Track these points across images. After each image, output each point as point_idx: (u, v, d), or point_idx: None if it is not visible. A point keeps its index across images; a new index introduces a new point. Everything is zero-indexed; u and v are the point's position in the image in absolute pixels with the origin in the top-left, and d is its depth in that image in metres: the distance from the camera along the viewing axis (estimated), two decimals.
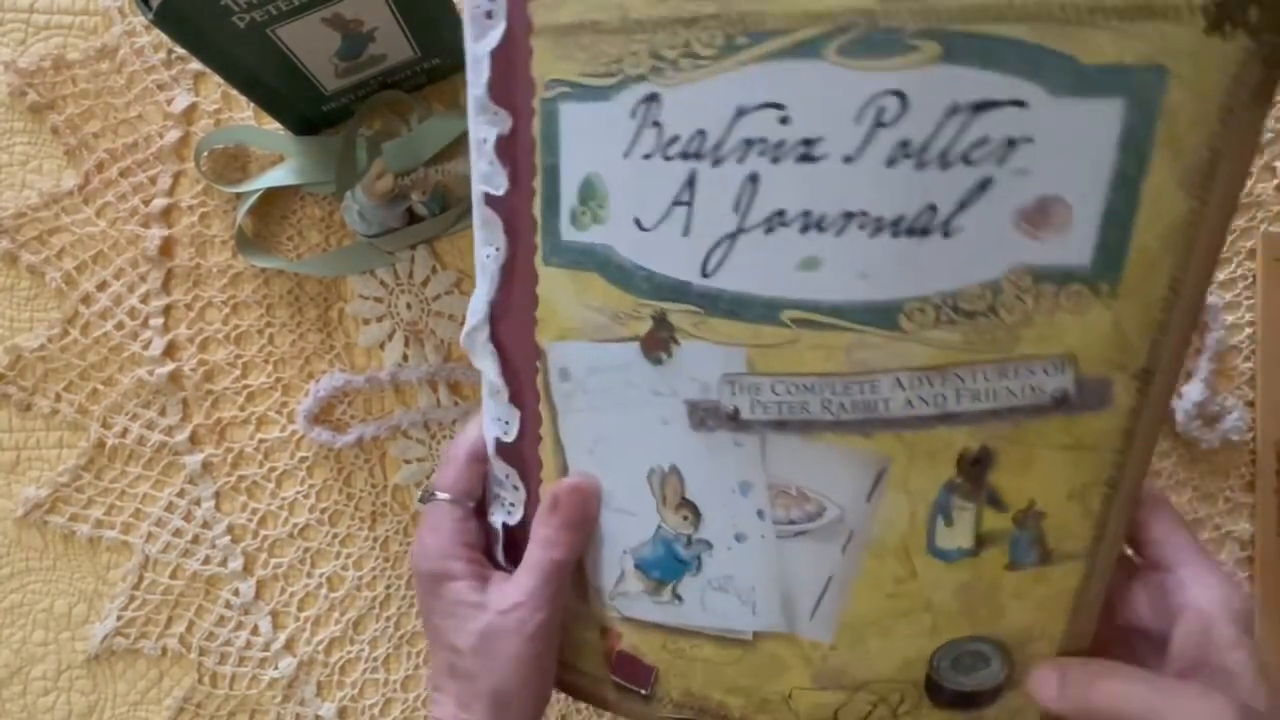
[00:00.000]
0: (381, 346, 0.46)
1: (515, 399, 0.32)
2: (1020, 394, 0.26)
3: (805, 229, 0.25)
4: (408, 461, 0.46)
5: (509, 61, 0.28)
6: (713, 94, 0.25)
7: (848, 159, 0.24)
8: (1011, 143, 0.24)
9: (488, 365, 0.32)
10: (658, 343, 0.28)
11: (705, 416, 0.28)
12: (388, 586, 0.46)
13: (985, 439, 0.26)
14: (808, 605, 0.30)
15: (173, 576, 0.46)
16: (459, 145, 0.44)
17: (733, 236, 0.26)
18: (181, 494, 0.46)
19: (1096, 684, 0.27)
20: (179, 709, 0.46)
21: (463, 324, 0.45)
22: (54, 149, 0.45)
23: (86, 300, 0.45)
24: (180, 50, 0.44)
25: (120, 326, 0.45)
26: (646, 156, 0.26)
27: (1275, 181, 0.47)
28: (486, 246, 0.30)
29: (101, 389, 0.45)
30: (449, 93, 0.45)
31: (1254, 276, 0.47)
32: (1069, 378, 0.26)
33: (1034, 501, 0.27)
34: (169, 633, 0.46)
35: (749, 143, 0.25)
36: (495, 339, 0.31)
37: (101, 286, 0.45)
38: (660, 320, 0.28)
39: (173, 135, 0.45)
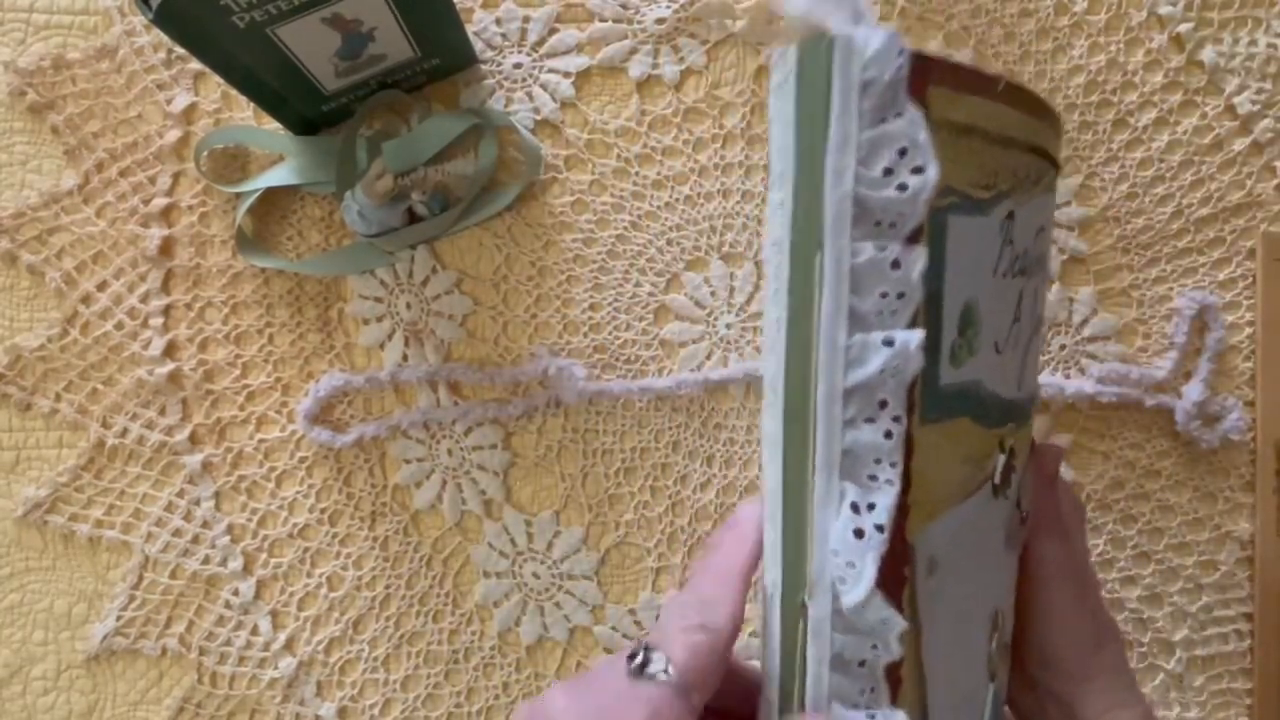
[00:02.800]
0: (381, 346, 0.46)
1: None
2: None
3: (1036, 329, 0.28)
4: (407, 461, 0.46)
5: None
6: (1033, 214, 0.27)
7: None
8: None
9: (889, 615, 0.21)
10: (1008, 470, 0.25)
11: (1013, 533, 0.28)
12: (387, 586, 0.46)
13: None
14: None
15: (172, 576, 0.46)
16: (459, 145, 0.45)
17: (1029, 343, 0.28)
18: (181, 494, 0.46)
19: None
20: (179, 709, 0.46)
21: (462, 324, 0.46)
22: (54, 149, 0.45)
23: (86, 300, 0.45)
24: (180, 50, 0.44)
25: (120, 326, 0.45)
26: (1004, 275, 0.24)
27: (1275, 181, 0.47)
28: (876, 423, 0.21)
29: (101, 389, 0.45)
30: (449, 93, 0.45)
31: (1254, 276, 0.47)
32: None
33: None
34: (169, 632, 0.46)
35: (1034, 259, 0.27)
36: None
37: (101, 286, 0.45)
38: (1007, 448, 0.25)
39: (172, 135, 0.45)
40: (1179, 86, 0.47)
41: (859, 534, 0.21)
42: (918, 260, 0.21)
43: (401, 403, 0.46)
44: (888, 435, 0.21)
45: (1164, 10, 0.46)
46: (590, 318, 0.46)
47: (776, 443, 0.22)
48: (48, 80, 0.44)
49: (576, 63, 0.45)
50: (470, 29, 0.44)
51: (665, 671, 0.21)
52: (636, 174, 0.45)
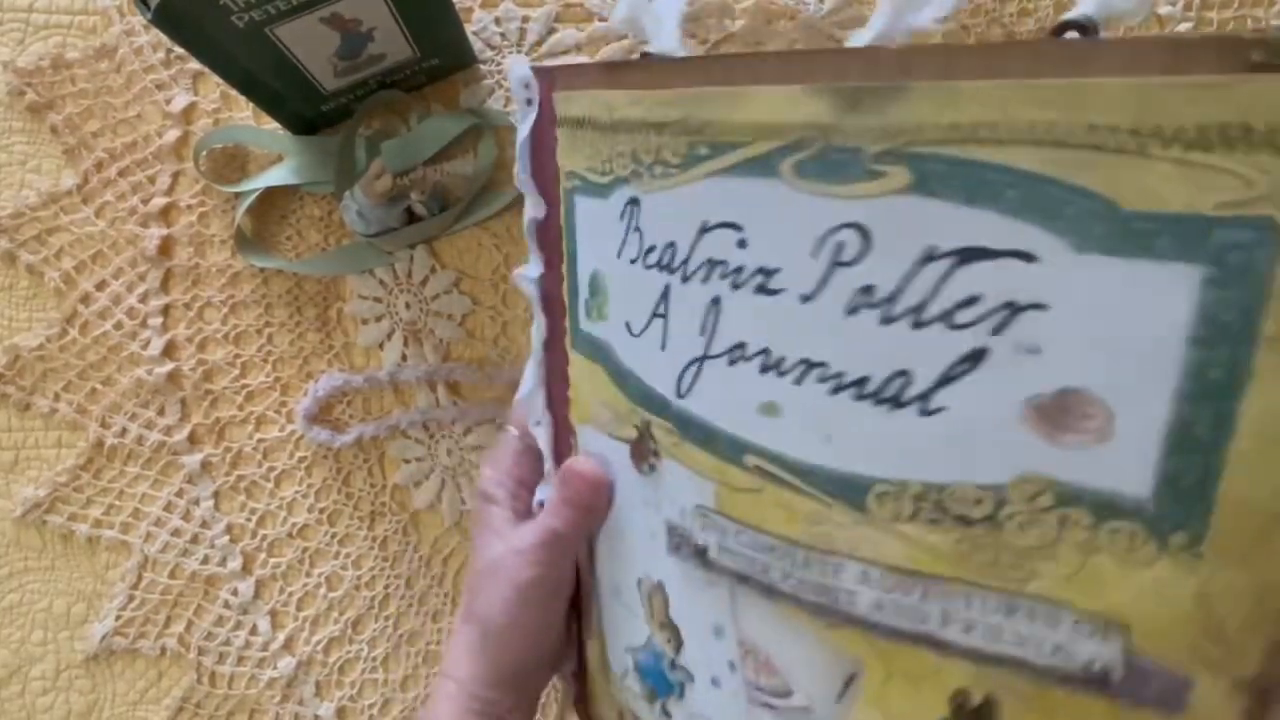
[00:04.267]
0: (380, 346, 0.46)
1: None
2: (1036, 648, 0.19)
3: (764, 369, 0.21)
4: (406, 461, 0.46)
5: (539, 148, 0.28)
6: (680, 205, 0.22)
7: (805, 298, 0.20)
8: (1013, 307, 0.17)
9: (540, 432, 0.32)
10: (643, 452, 0.26)
11: (680, 543, 0.25)
12: (386, 586, 0.46)
13: (991, 688, 0.19)
14: None
15: (171, 576, 0.46)
16: (458, 145, 0.44)
17: (699, 361, 0.23)
18: (180, 493, 0.46)
19: None
20: (178, 708, 0.46)
21: (461, 323, 0.46)
22: (53, 148, 0.45)
23: (85, 300, 0.45)
24: (179, 50, 0.44)
25: (119, 326, 0.45)
26: (632, 261, 0.25)
27: None
28: (537, 318, 0.31)
29: (100, 388, 0.45)
30: (448, 93, 0.45)
31: None
32: (1113, 650, 0.18)
33: None
34: (168, 632, 0.46)
35: (712, 263, 0.22)
36: (550, 408, 0.31)
37: (100, 286, 0.45)
38: (645, 431, 0.26)
39: (172, 135, 0.45)
40: None
41: (530, 375, 0.31)
42: (531, 221, 0.29)
43: (400, 402, 0.46)
44: (537, 329, 0.31)
45: (1164, 10, 0.46)
46: None
47: None
48: (47, 80, 0.44)
49: (576, 62, 0.45)
50: (470, 29, 0.44)
51: (506, 427, 0.34)
52: None
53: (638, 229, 0.24)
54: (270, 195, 0.45)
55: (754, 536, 0.22)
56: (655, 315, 0.24)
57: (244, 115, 0.45)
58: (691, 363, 0.23)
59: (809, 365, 0.20)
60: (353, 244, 0.45)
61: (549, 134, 0.28)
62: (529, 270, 0.31)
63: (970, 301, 0.18)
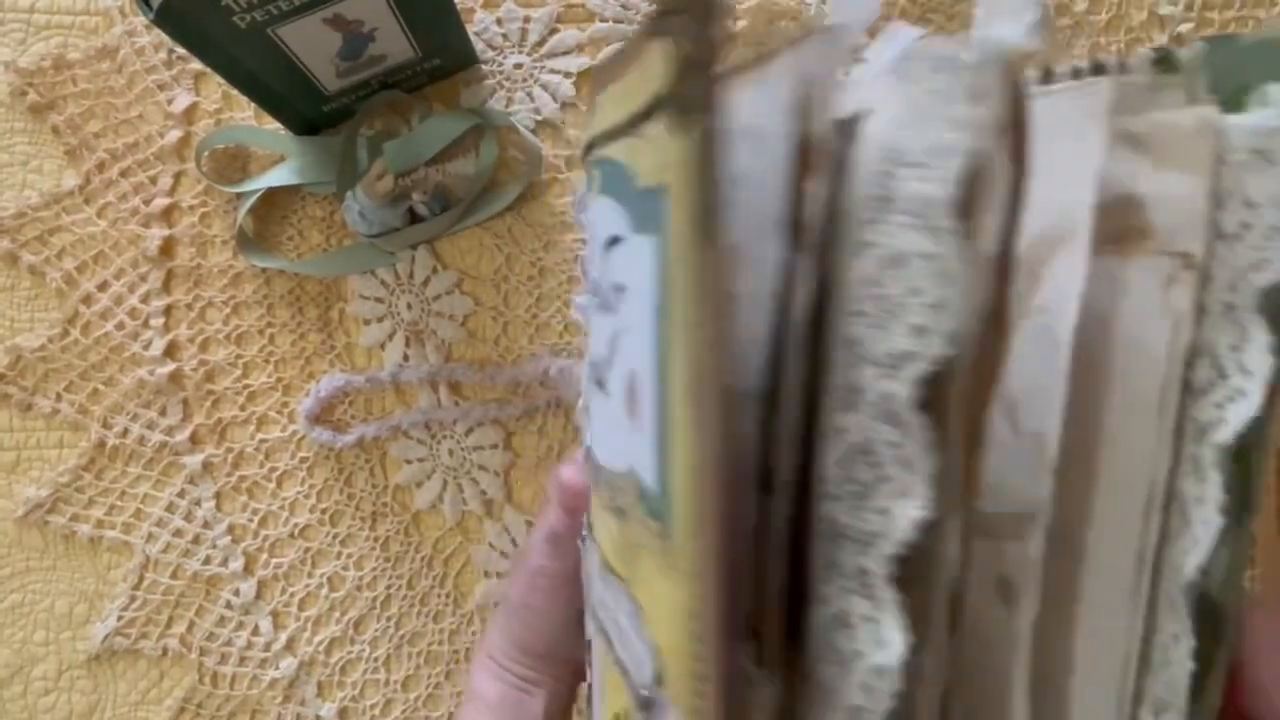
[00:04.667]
0: (382, 347, 0.46)
1: None
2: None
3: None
4: (408, 462, 0.46)
5: None
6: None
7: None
8: (619, 289, 0.18)
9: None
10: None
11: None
12: (388, 587, 0.46)
13: None
14: None
15: (173, 577, 0.46)
16: (460, 145, 0.44)
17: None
18: (182, 494, 0.46)
19: None
20: (179, 709, 0.46)
21: (463, 324, 0.46)
22: (54, 149, 0.45)
23: (87, 300, 0.45)
24: (181, 50, 0.44)
25: (121, 326, 0.45)
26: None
27: None
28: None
29: (102, 389, 0.45)
30: (450, 93, 0.45)
31: None
32: (652, 665, 0.18)
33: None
34: (169, 633, 0.46)
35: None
36: None
37: (102, 286, 0.45)
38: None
39: (173, 135, 0.45)
40: None
41: None
42: None
43: (402, 403, 0.46)
44: None
45: (1164, 10, 0.46)
46: None
47: None
48: (48, 80, 0.44)
49: (577, 63, 0.45)
50: (471, 29, 0.44)
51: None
52: None
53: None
54: (272, 196, 0.45)
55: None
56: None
57: (245, 116, 0.45)
58: None
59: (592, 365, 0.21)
60: (354, 244, 0.45)
61: None
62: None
63: (616, 289, 0.18)
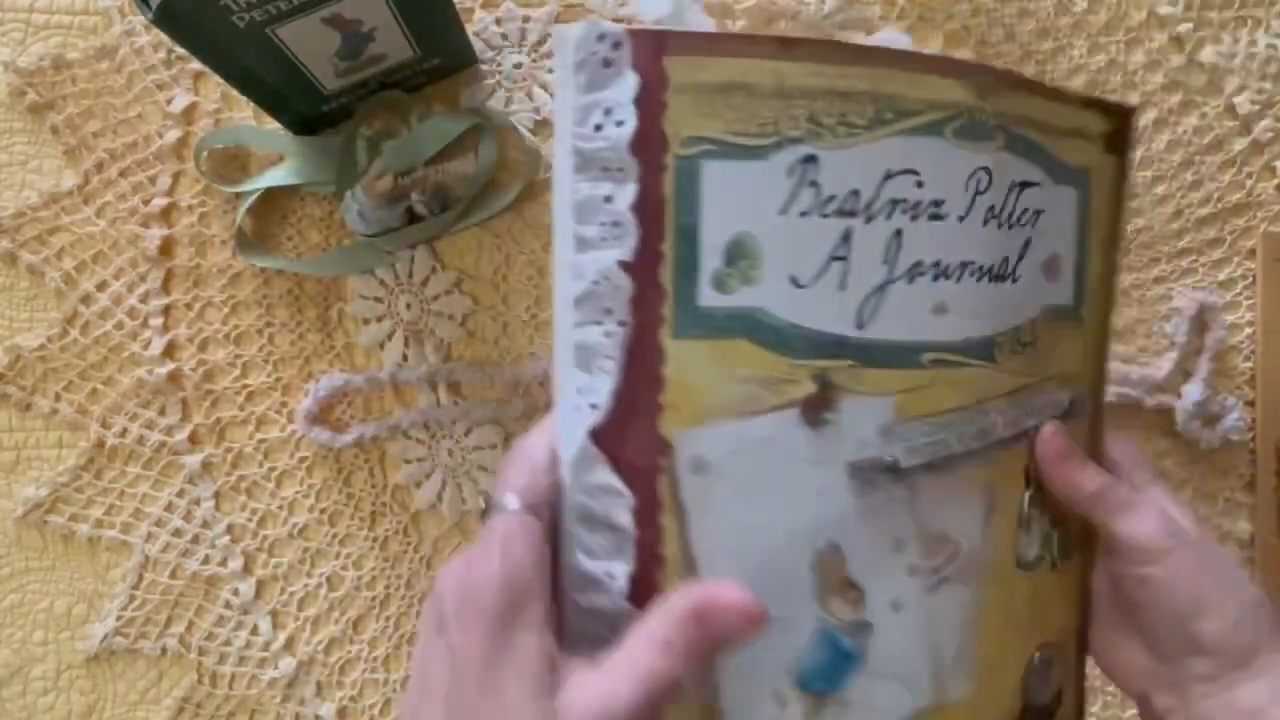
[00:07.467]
0: (381, 346, 0.46)
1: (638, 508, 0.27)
2: (1049, 410, 0.32)
3: (936, 278, 0.29)
4: (407, 461, 0.46)
5: (646, 115, 0.26)
6: (866, 159, 0.28)
7: (960, 218, 0.29)
8: (1037, 213, 0.31)
9: (609, 478, 0.27)
10: (822, 403, 0.28)
11: (867, 474, 0.28)
12: (387, 586, 0.46)
13: (1032, 450, 0.32)
14: (950, 664, 0.30)
15: (172, 576, 0.46)
16: (459, 145, 0.44)
17: (882, 287, 0.29)
18: (181, 494, 0.46)
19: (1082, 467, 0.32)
20: (179, 709, 0.46)
21: (462, 323, 0.46)
22: (54, 149, 0.45)
23: (86, 300, 0.45)
24: (180, 50, 0.44)
25: (120, 326, 0.45)
26: (804, 214, 0.28)
27: (1275, 181, 0.47)
28: (602, 325, 0.27)
29: (101, 389, 0.45)
30: (449, 93, 0.45)
31: (1254, 276, 0.47)
32: (1068, 395, 0.32)
33: (1058, 501, 0.31)
34: (169, 632, 0.46)
35: (894, 202, 0.29)
36: (613, 441, 0.27)
37: (101, 286, 0.45)
38: (823, 380, 0.28)
39: (172, 135, 0.45)
40: (1179, 87, 0.47)
41: (577, 409, 0.27)
42: (627, 196, 0.26)
43: (401, 403, 0.46)
44: (607, 335, 0.27)
45: (1164, 10, 0.46)
46: None
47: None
48: (48, 80, 0.44)
49: None
50: (470, 29, 0.44)
51: (511, 501, 0.26)
52: None
53: (814, 183, 0.28)
54: (271, 195, 0.45)
55: (934, 421, 0.29)
56: (834, 259, 0.28)
57: (245, 115, 0.45)
58: (874, 291, 0.28)
59: (965, 265, 0.29)
60: (354, 244, 0.45)
61: (654, 100, 0.27)
62: (622, 251, 0.26)
63: (1024, 211, 0.30)
